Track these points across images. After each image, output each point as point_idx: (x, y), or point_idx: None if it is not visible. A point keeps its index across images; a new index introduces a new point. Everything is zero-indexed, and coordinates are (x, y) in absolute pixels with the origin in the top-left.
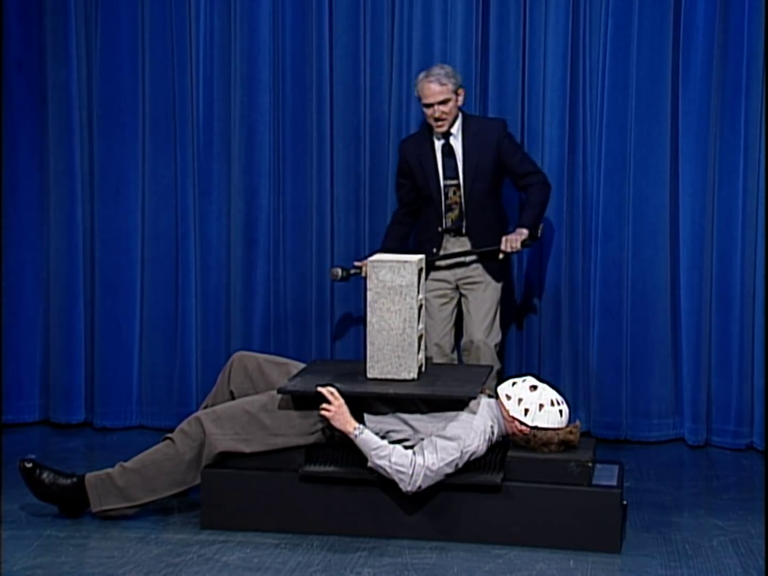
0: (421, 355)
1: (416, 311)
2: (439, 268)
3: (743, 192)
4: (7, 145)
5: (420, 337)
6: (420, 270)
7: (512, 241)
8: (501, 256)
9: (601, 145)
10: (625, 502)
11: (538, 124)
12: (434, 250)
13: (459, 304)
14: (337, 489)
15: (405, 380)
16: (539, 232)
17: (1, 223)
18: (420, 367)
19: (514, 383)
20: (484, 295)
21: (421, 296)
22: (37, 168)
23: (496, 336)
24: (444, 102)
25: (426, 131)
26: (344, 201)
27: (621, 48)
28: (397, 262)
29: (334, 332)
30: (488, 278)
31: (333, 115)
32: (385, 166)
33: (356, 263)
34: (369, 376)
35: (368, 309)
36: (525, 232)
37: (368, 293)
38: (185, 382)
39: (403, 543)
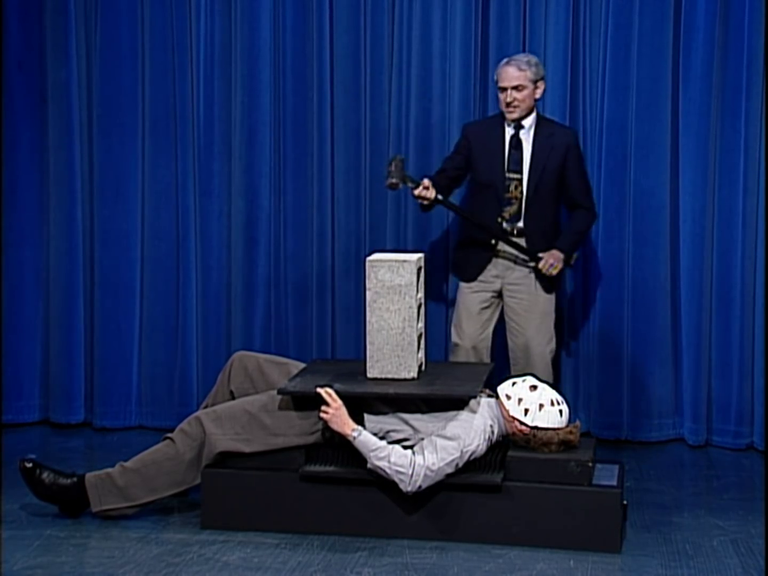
0: (421, 354)
1: (415, 310)
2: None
3: (743, 192)
4: (7, 145)
5: (420, 336)
6: (419, 269)
7: (551, 267)
8: (534, 266)
9: (601, 144)
10: (625, 502)
11: None
12: (492, 242)
13: (501, 310)
14: (337, 489)
15: (405, 380)
16: (573, 260)
17: (1, 223)
18: (420, 367)
19: (514, 383)
20: (533, 304)
21: (420, 295)
22: (37, 168)
23: (553, 344)
24: (518, 88)
25: (499, 118)
26: (344, 201)
27: (621, 48)
28: (396, 261)
29: (335, 332)
30: (540, 291)
31: (333, 116)
32: (385, 166)
33: (425, 181)
34: (369, 375)
35: (368, 309)
36: (561, 257)
37: (367, 293)
38: (185, 382)
39: (403, 543)
